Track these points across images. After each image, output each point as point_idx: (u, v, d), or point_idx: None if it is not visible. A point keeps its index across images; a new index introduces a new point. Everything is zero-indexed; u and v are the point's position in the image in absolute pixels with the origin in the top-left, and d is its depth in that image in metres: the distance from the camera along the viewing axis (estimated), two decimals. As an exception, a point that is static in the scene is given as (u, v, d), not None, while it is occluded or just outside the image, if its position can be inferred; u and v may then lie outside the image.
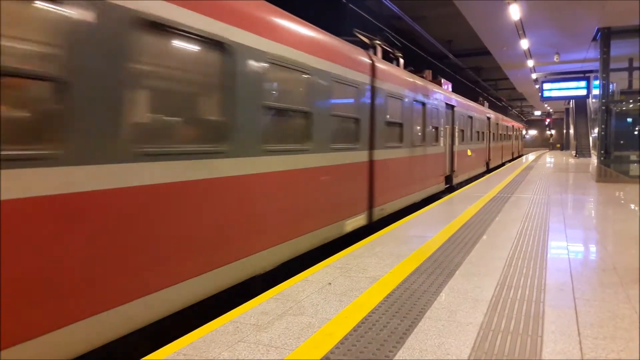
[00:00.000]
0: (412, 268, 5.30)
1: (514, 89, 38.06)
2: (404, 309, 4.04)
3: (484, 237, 6.92)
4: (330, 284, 4.77)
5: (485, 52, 22.63)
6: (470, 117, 17.70)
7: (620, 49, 15.76)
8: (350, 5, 14.55)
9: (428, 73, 14.11)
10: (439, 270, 5.20)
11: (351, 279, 4.91)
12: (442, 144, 13.39)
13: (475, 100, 23.49)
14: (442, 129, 13.37)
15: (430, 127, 12.12)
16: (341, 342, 3.40)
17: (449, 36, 25.60)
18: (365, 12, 16.26)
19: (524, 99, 51.40)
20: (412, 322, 3.76)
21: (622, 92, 17.51)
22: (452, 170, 14.78)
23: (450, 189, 14.58)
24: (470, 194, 12.20)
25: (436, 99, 12.83)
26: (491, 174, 19.29)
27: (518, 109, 72.81)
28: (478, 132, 19.57)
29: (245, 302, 4.34)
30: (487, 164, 22.41)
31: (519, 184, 14.77)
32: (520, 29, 15.91)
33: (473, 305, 4.12)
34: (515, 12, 13.71)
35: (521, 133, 46.07)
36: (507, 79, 31.88)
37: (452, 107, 15.09)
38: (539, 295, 4.37)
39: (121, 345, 3.75)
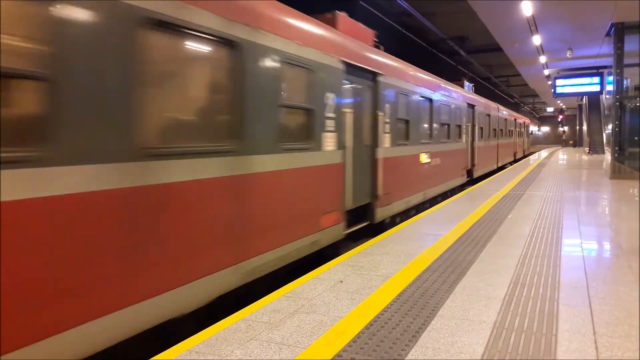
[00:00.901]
0: (424, 266, 5.27)
1: (526, 85, 37.77)
2: (416, 307, 4.02)
3: (497, 234, 6.86)
4: (341, 282, 4.77)
5: (497, 49, 22.47)
6: (429, 101, 11.02)
7: (634, 44, 15.54)
8: (360, 2, 14.52)
9: (340, 15, 7.71)
10: (451, 269, 5.17)
11: (363, 277, 4.90)
12: (332, 147, 6.70)
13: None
14: (329, 115, 6.59)
15: (281, 113, 5.52)
16: (353, 340, 3.39)
17: (460, 33, 25.43)
18: (375, 8, 16.21)
19: (537, 96, 50.94)
20: (424, 320, 3.74)
21: (637, 88, 17.29)
22: (373, 195, 8.15)
23: (370, 229, 8.16)
24: (482, 191, 12.11)
25: (310, 48, 6.11)
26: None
27: (530, 106, 72.23)
28: (450, 125, 13.17)
29: (257, 300, 4.35)
30: (470, 172, 16.18)
31: (532, 181, 14.64)
32: (533, 24, 15.77)
33: (486, 304, 4.09)
34: (527, 8, 13.58)
35: (527, 129, 37.21)
36: (519, 75, 31.64)
37: (374, 75, 8.19)
38: (553, 294, 4.33)
39: (133, 344, 3.77)
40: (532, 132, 48.79)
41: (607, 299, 4.21)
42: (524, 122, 33.67)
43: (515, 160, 28.60)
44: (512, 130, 26.43)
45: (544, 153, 38.34)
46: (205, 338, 3.47)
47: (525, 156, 33.53)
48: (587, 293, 4.35)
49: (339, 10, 7.61)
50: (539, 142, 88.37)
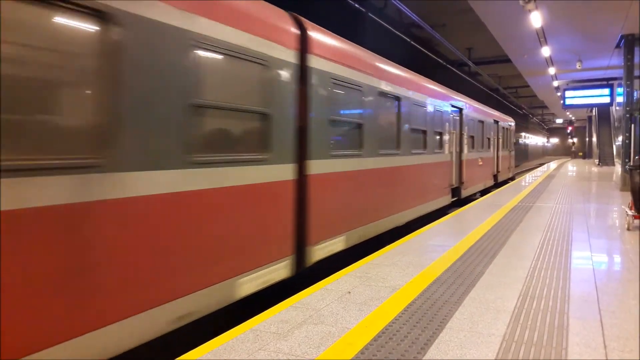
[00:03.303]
0: (432, 278, 5.25)
1: (535, 96, 37.69)
2: (425, 320, 4.00)
3: (506, 246, 6.83)
4: (349, 292, 4.76)
5: (506, 60, 22.48)
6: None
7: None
8: (369, 14, 14.61)
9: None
10: (460, 280, 5.14)
11: (371, 288, 4.89)
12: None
13: None
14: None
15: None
16: (361, 352, 3.38)
17: (469, 44, 25.51)
18: (385, 20, 16.29)
19: (546, 107, 50.81)
20: (433, 332, 3.72)
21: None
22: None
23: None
24: (491, 203, 12.06)
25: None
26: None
27: (539, 117, 72.03)
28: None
29: (265, 310, 4.35)
30: None
31: (541, 193, 14.57)
32: (542, 36, 15.77)
33: (495, 316, 4.06)
34: (536, 20, 13.59)
35: (509, 134, 22.30)
36: (527, 86, 31.60)
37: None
38: (562, 306, 4.29)
39: (142, 352, 3.78)
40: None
41: (617, 312, 4.17)
42: (499, 123, 19.61)
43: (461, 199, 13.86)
44: (441, 133, 11.78)
45: (552, 165, 38.16)
46: (213, 348, 3.47)
47: (498, 183, 19.94)
48: (598, 306, 4.32)
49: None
50: (547, 154, 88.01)
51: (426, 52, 21.42)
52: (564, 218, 9.39)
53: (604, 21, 13.99)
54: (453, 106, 12.78)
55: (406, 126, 9.19)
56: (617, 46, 16.82)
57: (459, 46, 23.01)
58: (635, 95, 15.98)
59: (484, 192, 17.12)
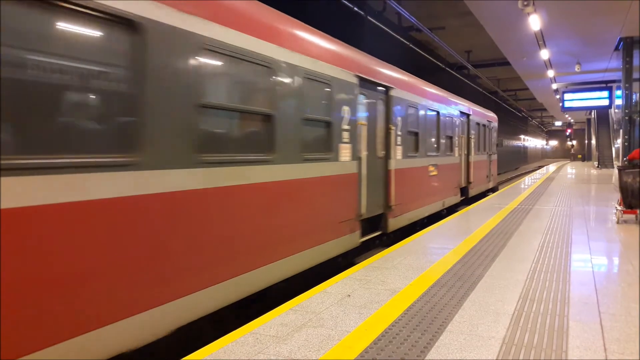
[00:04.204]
0: (432, 280, 5.25)
1: (534, 99, 37.74)
2: (424, 322, 3.99)
3: (506, 249, 6.82)
4: (349, 296, 4.75)
5: (505, 63, 22.52)
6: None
7: (643, 58, 15.55)
8: (369, 17, 14.63)
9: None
10: (459, 283, 5.14)
11: (370, 291, 4.88)
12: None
13: None
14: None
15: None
16: (361, 355, 3.37)
17: (468, 47, 25.56)
18: (384, 23, 16.32)
19: (545, 110, 50.89)
20: (433, 335, 3.72)
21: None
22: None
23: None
24: (490, 205, 12.06)
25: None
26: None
27: (538, 119, 72.14)
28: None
29: (264, 313, 4.34)
30: None
31: (540, 195, 14.57)
32: (541, 39, 15.80)
33: (495, 319, 4.06)
34: (535, 23, 13.62)
35: (486, 131, 17.41)
36: (527, 89, 31.64)
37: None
38: (562, 309, 4.29)
39: (142, 355, 3.78)
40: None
41: (617, 315, 4.16)
42: (471, 117, 15.05)
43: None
44: (328, 133, 6.57)
45: (552, 167, 38.18)
46: (212, 351, 3.46)
47: (470, 200, 14.97)
48: (598, 309, 4.31)
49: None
50: (547, 156, 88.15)
51: (425, 55, 21.46)
52: (563, 220, 9.39)
53: (603, 24, 14.02)
54: (368, 81, 7.73)
55: (216, 109, 4.45)
56: (616, 49, 16.86)
57: (458, 49, 23.04)
58: (634, 97, 16.00)
59: (450, 210, 12.87)
